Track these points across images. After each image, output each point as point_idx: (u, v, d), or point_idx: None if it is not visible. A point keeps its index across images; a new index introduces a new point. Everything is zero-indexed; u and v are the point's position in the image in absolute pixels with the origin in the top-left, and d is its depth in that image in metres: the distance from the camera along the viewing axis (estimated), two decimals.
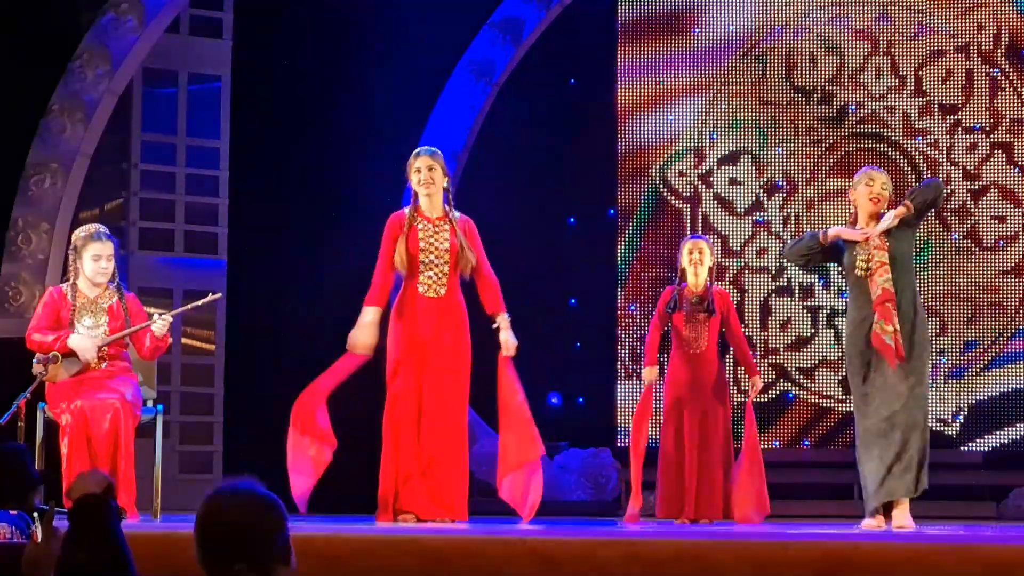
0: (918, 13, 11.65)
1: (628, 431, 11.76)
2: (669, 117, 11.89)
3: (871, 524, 7.16)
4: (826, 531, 6.80)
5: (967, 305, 11.51)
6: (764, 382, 11.52)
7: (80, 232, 7.69)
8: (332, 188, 11.64)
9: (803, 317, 11.65)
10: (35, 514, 6.19)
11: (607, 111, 11.94)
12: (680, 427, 8.44)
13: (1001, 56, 11.58)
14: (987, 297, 11.44)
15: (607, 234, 11.88)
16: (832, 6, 11.75)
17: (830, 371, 11.55)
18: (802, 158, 11.73)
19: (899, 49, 11.67)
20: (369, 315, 7.49)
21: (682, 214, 11.82)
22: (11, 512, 6.14)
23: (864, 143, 11.65)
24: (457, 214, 7.59)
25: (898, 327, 7.17)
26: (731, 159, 11.78)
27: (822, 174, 11.70)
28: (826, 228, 7.52)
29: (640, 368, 11.67)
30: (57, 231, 10.38)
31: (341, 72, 11.68)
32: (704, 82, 11.85)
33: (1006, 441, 11.33)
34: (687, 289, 8.56)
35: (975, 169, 11.61)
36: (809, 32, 11.77)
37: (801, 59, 11.77)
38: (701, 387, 8.46)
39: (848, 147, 11.69)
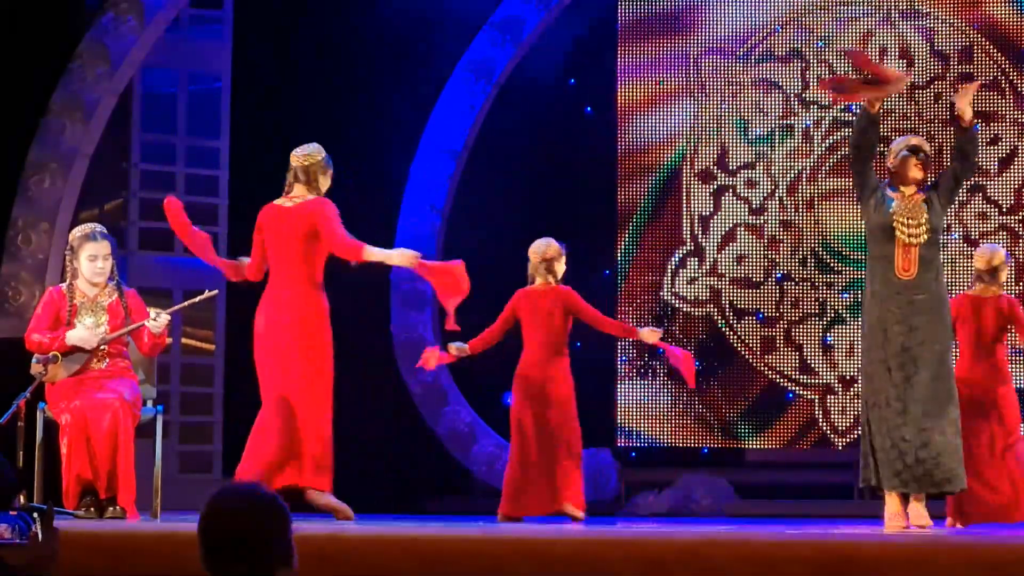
0: (919, 14, 11.65)
1: (628, 431, 11.78)
2: (669, 117, 11.88)
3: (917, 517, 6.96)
4: (826, 531, 6.80)
5: None
6: (764, 381, 11.52)
7: (76, 232, 7.68)
8: (331, 188, 11.62)
9: (802, 315, 11.63)
10: (35, 514, 6.19)
11: (607, 111, 11.93)
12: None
13: (1003, 57, 11.58)
14: None
15: (607, 234, 11.87)
16: (833, 6, 11.74)
17: (830, 370, 11.54)
18: (802, 158, 11.72)
19: (900, 50, 11.66)
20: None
21: (682, 214, 11.81)
22: (11, 512, 6.14)
23: None
24: None
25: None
26: (731, 158, 11.77)
27: (822, 174, 11.69)
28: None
29: (639, 367, 11.69)
30: (57, 231, 10.37)
31: (341, 72, 11.67)
32: (704, 82, 11.85)
33: None
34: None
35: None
36: (810, 32, 11.76)
37: (802, 59, 11.76)
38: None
39: (849, 147, 11.67)
